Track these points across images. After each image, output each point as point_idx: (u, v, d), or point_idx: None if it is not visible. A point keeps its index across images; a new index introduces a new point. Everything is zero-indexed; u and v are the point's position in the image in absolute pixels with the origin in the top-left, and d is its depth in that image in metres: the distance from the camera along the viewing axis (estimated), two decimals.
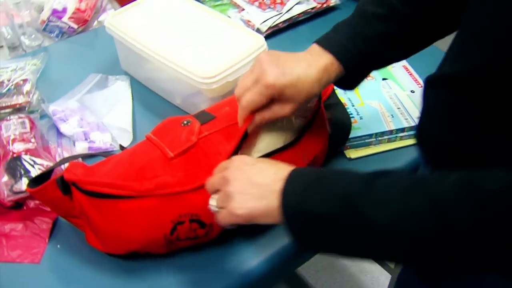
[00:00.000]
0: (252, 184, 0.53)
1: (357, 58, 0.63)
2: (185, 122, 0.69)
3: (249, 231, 0.71)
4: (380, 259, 0.52)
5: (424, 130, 0.61)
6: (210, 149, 0.65)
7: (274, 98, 0.61)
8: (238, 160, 0.57)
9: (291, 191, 0.50)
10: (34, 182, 0.67)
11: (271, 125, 0.68)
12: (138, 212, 0.62)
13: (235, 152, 0.64)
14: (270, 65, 0.59)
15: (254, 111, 0.62)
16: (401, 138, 0.86)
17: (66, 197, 0.65)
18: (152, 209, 0.62)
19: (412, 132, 0.85)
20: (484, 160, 0.50)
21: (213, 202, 0.57)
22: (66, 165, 0.67)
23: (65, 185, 0.64)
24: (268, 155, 0.66)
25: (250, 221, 0.53)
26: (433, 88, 0.58)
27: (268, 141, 0.68)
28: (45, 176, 0.69)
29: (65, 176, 0.63)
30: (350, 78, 0.66)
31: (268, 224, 0.53)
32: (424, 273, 0.64)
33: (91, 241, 0.68)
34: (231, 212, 0.53)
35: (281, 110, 0.61)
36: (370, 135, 0.84)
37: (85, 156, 0.79)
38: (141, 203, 0.62)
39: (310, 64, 0.61)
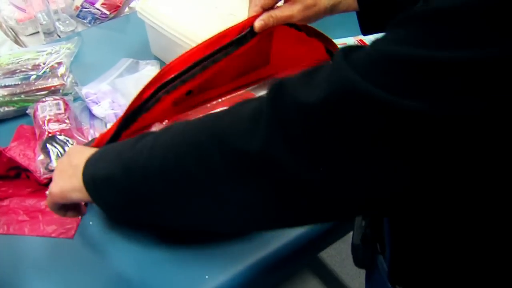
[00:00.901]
0: (69, 166, 0.59)
1: None
2: None
3: None
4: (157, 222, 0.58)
5: None
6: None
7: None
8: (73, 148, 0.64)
9: (89, 164, 0.56)
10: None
11: None
12: None
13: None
14: None
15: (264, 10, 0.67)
16: None
17: None
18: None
19: None
20: None
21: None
22: None
23: None
24: None
25: (64, 198, 0.59)
26: None
27: None
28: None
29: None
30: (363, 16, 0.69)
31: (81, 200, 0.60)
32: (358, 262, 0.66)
33: None
34: (49, 192, 0.60)
35: (289, 9, 0.66)
36: None
37: None
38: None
39: None
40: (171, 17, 0.91)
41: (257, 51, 0.75)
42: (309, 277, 1.56)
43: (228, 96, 0.76)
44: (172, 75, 0.65)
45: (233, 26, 0.67)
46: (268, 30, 0.68)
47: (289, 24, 0.72)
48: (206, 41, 0.67)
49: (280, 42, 0.77)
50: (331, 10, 0.70)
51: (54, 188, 0.59)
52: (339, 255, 1.62)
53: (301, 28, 0.74)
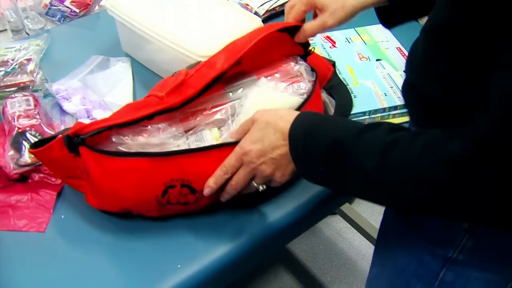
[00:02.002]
0: (276, 160, 0.62)
1: None
2: (173, 73, 0.73)
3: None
4: (363, 199, 0.62)
5: (407, 85, 0.66)
6: (198, 79, 0.70)
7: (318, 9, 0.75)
8: (248, 151, 0.63)
9: (295, 143, 0.60)
10: (37, 145, 0.70)
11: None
12: (134, 170, 0.66)
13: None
14: None
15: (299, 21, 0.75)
16: (394, 116, 0.88)
17: (71, 155, 0.68)
18: (146, 169, 0.65)
19: (404, 110, 0.88)
20: (463, 110, 0.54)
21: (260, 187, 0.67)
22: None
23: (71, 143, 0.67)
24: None
25: (263, 155, 0.63)
26: (417, 41, 0.64)
27: None
28: (47, 141, 0.70)
29: (70, 132, 0.66)
30: (392, 10, 0.75)
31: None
32: (400, 212, 0.70)
33: (89, 200, 0.72)
34: (278, 182, 0.65)
35: (320, 19, 0.74)
36: (364, 113, 0.86)
37: None
38: (137, 162, 0.65)
39: None
40: (140, 14, 0.92)
41: None
42: (281, 272, 1.59)
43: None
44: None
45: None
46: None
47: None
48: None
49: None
50: (361, 7, 0.75)
51: (284, 178, 0.64)
52: (311, 250, 1.66)
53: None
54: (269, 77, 0.77)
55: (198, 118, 0.72)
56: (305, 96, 0.75)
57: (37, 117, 0.81)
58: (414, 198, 0.53)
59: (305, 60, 0.80)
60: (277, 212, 0.75)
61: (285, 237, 0.82)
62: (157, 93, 0.70)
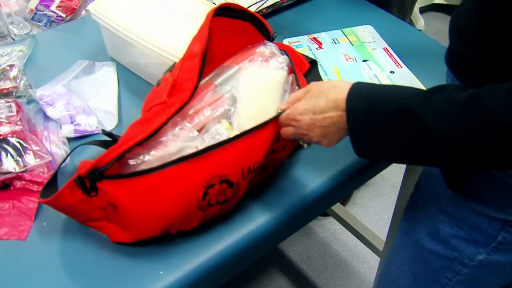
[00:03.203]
0: (325, 128, 0.63)
1: None
2: (157, 83, 0.73)
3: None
4: (425, 163, 0.62)
5: (452, 51, 0.67)
6: (188, 71, 0.70)
7: None
8: (299, 119, 0.64)
9: (355, 115, 0.59)
10: (45, 191, 0.67)
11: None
12: (170, 182, 0.63)
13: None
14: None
15: None
16: None
17: (86, 198, 0.65)
18: (183, 176, 0.64)
19: None
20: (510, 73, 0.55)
21: (305, 145, 0.70)
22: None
23: (84, 183, 0.64)
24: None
25: (317, 116, 0.63)
26: (466, 11, 0.64)
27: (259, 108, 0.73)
28: (52, 183, 0.69)
29: (80, 172, 0.63)
30: None
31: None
32: (451, 179, 0.70)
33: (118, 237, 0.69)
34: (326, 146, 0.65)
35: None
36: None
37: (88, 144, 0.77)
38: (171, 172, 0.63)
39: None
40: (124, 18, 0.91)
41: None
42: (275, 274, 1.58)
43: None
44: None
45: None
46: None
47: (223, 14, 0.76)
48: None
49: (218, 34, 0.80)
50: None
51: (332, 143, 0.64)
52: (305, 252, 1.65)
53: (237, 15, 0.78)
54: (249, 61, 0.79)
55: (202, 118, 0.72)
56: (286, 68, 0.77)
57: (19, 123, 0.80)
58: (495, 151, 0.52)
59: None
60: (261, 217, 0.74)
61: (271, 241, 0.82)
62: (157, 102, 0.69)
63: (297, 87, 0.75)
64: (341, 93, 0.60)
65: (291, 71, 0.78)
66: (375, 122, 0.57)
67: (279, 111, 0.69)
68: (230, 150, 0.66)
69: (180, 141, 0.67)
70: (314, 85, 0.65)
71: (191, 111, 0.71)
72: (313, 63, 0.87)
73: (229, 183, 0.66)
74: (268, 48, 0.80)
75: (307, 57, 0.87)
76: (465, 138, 0.52)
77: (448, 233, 0.71)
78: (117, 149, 0.63)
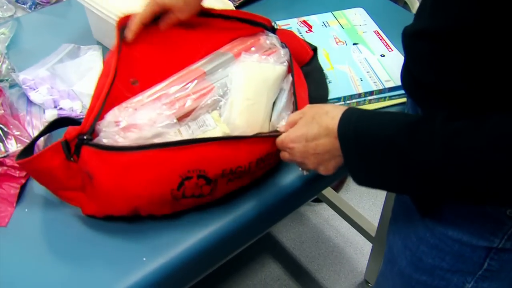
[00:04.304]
0: (319, 155, 0.62)
1: None
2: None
3: None
4: (425, 193, 0.62)
5: (407, 75, 0.66)
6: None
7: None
8: (291, 147, 0.65)
9: (346, 144, 0.59)
10: (22, 155, 0.65)
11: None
12: (148, 164, 0.62)
13: None
14: None
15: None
16: (370, 101, 0.86)
17: (65, 163, 0.64)
18: (162, 161, 0.62)
19: (380, 95, 0.86)
20: (469, 95, 0.55)
21: (304, 172, 0.72)
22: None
23: (69, 148, 0.63)
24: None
25: (309, 143, 0.63)
26: (412, 40, 0.63)
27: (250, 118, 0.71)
28: (28, 149, 0.68)
29: (67, 137, 0.63)
30: None
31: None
32: (423, 208, 0.67)
33: (88, 209, 0.68)
34: (324, 173, 0.64)
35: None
36: (339, 98, 0.84)
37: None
38: (148, 155, 0.62)
39: None
40: (110, 0, 0.89)
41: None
42: (268, 261, 1.58)
43: (180, 74, 0.75)
44: None
45: None
46: None
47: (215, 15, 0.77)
48: None
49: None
50: None
51: (329, 172, 0.63)
52: (298, 238, 1.64)
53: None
54: (248, 53, 0.78)
55: (187, 105, 0.70)
56: (286, 63, 0.76)
57: (1, 108, 0.79)
58: (481, 188, 0.51)
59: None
60: (248, 201, 0.73)
61: (255, 229, 0.81)
62: None
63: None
64: (333, 120, 0.60)
65: (290, 70, 0.76)
66: (367, 153, 0.57)
67: (278, 129, 0.69)
68: (215, 148, 0.64)
69: (157, 126, 0.65)
70: (308, 109, 0.65)
71: (172, 97, 0.69)
72: (316, 50, 0.84)
73: (207, 179, 0.65)
74: (269, 39, 0.79)
75: (310, 44, 0.84)
76: (448, 172, 0.52)
77: (431, 264, 0.67)
78: (93, 107, 0.63)
